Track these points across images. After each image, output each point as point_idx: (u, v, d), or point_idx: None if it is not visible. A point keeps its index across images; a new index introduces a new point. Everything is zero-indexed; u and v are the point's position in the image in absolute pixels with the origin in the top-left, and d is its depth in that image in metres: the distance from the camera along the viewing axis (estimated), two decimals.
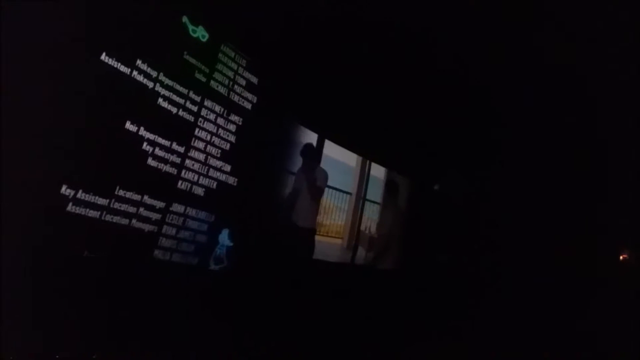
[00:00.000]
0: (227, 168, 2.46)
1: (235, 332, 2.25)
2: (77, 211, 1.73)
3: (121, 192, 1.89)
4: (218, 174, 2.41)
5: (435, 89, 3.76)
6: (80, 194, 1.73)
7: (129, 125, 1.91)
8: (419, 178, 4.67)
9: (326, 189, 3.24)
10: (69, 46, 1.62)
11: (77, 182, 1.72)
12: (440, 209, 4.67)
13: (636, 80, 2.81)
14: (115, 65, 1.83)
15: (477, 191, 4.55)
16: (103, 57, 1.77)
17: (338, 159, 3.59)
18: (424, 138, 4.54)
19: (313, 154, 3.05)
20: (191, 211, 2.25)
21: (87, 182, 1.75)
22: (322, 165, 3.16)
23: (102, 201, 1.81)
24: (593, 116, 3.33)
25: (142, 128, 1.96)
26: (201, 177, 2.31)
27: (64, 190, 1.68)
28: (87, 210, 1.76)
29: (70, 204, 1.70)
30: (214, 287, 2.36)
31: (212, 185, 2.38)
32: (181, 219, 2.20)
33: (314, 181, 2.89)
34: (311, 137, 3.24)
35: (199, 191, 2.30)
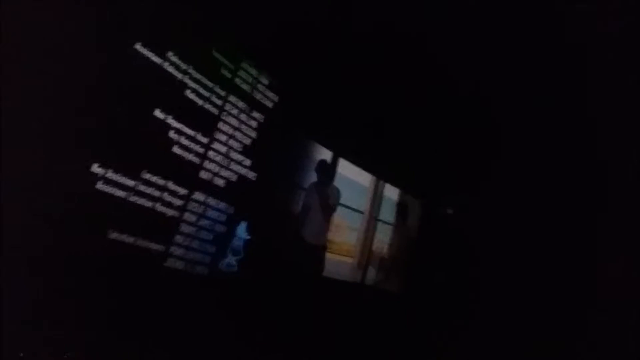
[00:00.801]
0: (248, 163, 2.53)
1: (239, 343, 2.25)
2: (106, 190, 1.80)
3: (147, 176, 1.97)
4: (238, 167, 2.47)
5: (453, 114, 3.81)
6: (110, 174, 1.81)
7: (158, 113, 2.01)
8: (430, 201, 4.67)
9: (338, 207, 3.24)
10: (109, 32, 1.75)
11: (107, 162, 1.80)
12: (451, 232, 4.62)
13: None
14: (149, 55, 1.94)
15: (486, 214, 4.46)
16: (138, 46, 1.89)
17: (351, 177, 3.60)
18: (438, 161, 4.56)
19: (327, 171, 3.06)
20: (211, 201, 2.31)
21: (117, 163, 1.83)
22: (336, 183, 3.17)
23: (129, 182, 1.89)
24: (594, 123, 3.29)
25: (170, 117, 2.06)
26: (222, 169, 2.37)
27: (95, 168, 1.76)
28: (115, 189, 1.84)
29: (100, 182, 1.78)
30: (223, 295, 2.36)
31: (233, 178, 2.44)
32: (202, 207, 2.26)
33: (327, 198, 2.88)
34: (325, 155, 3.27)
35: (220, 182, 2.36)
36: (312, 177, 3.05)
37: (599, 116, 3.16)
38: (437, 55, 3.02)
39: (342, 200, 3.19)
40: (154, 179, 2.00)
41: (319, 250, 2.94)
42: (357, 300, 3.71)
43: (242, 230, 2.48)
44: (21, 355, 1.49)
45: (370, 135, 3.75)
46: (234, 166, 2.44)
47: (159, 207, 2.04)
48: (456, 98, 3.54)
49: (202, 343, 2.10)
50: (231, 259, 2.42)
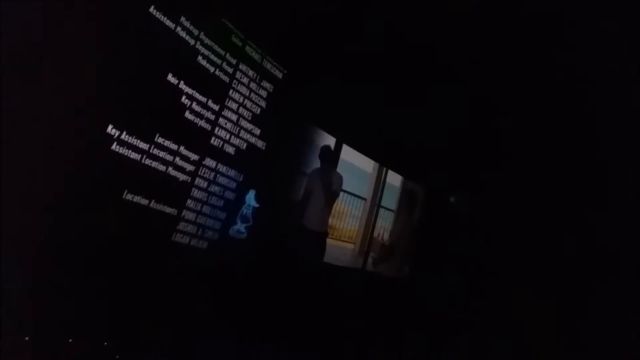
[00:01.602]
0: (257, 132, 2.56)
1: (238, 328, 2.32)
2: (121, 151, 1.84)
3: (160, 140, 2.00)
4: (248, 135, 2.50)
5: (457, 104, 3.83)
6: (124, 136, 1.85)
7: (170, 77, 2.02)
8: (434, 189, 4.66)
9: (341, 192, 3.26)
10: None
11: (122, 124, 1.83)
12: (453, 222, 4.65)
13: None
14: (162, 19, 1.94)
15: (488, 204, 4.45)
16: (151, 9, 1.89)
17: (355, 163, 3.59)
18: (442, 149, 4.54)
19: (331, 157, 3.08)
20: (222, 167, 2.35)
21: (131, 125, 1.86)
22: (339, 169, 3.18)
23: (143, 145, 1.93)
24: (594, 124, 3.28)
25: (182, 82, 2.07)
26: (232, 136, 2.40)
27: (110, 129, 1.79)
28: (130, 152, 1.88)
29: (115, 143, 1.82)
30: (225, 278, 2.39)
31: (242, 146, 2.47)
32: (212, 173, 2.30)
33: (330, 184, 2.90)
34: (329, 141, 3.28)
35: (230, 150, 2.40)
36: (315, 163, 3.07)
37: (599, 107, 3.14)
38: (441, 43, 3.03)
39: (344, 187, 3.26)
40: (167, 143, 2.04)
41: (320, 235, 3.00)
42: (357, 286, 3.76)
43: (251, 198, 2.53)
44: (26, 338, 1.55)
45: (374, 122, 3.73)
46: (243, 134, 2.47)
47: (172, 172, 2.08)
48: (460, 86, 3.54)
49: (204, 319, 2.19)
50: (240, 226, 2.48)
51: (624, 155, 3.14)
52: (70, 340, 1.67)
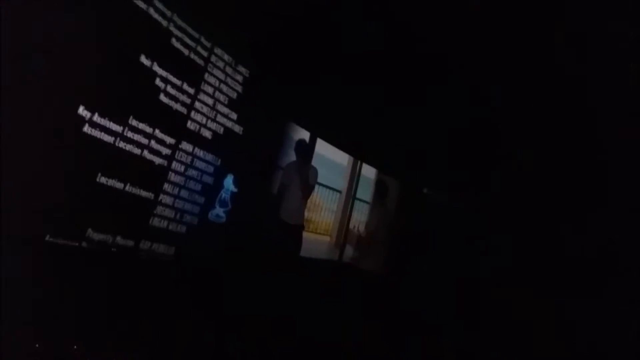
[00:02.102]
0: (234, 116, 2.56)
1: (217, 323, 2.33)
2: (93, 133, 1.81)
3: (134, 122, 1.98)
4: (225, 120, 2.50)
5: (429, 92, 3.83)
6: (97, 117, 1.81)
7: (143, 59, 1.99)
8: (408, 181, 4.71)
9: (316, 186, 3.29)
10: None
11: (94, 105, 1.79)
12: (429, 214, 4.68)
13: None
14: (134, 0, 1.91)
15: (468, 197, 4.50)
16: None
17: (329, 156, 3.60)
18: (415, 141, 4.57)
19: (306, 151, 3.11)
20: (199, 152, 2.34)
21: (103, 107, 1.83)
22: (314, 162, 3.22)
23: (116, 127, 1.90)
24: (593, 123, 3.30)
25: (155, 64, 2.05)
26: (209, 120, 2.39)
27: (81, 110, 1.76)
28: (102, 134, 1.85)
29: (87, 125, 1.78)
30: (200, 274, 2.38)
31: (219, 130, 2.47)
32: (190, 157, 2.29)
33: (307, 178, 2.94)
34: (303, 135, 3.31)
35: (207, 134, 2.39)
36: (290, 157, 3.10)
37: (599, 107, 3.17)
38: (419, 32, 3.01)
39: (320, 180, 3.30)
40: (141, 125, 2.01)
41: (297, 229, 3.04)
42: (334, 278, 3.77)
43: (229, 182, 2.53)
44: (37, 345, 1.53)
45: (348, 115, 3.73)
46: (220, 119, 2.47)
47: (147, 155, 2.06)
48: (438, 78, 3.54)
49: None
50: (219, 210, 2.48)
51: (624, 153, 3.12)
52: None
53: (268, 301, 2.68)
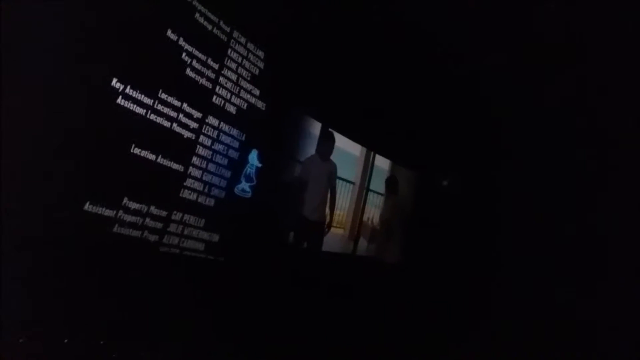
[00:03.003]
0: (257, 92, 2.59)
1: (232, 320, 2.37)
2: (126, 105, 1.86)
3: (164, 95, 2.02)
4: (248, 95, 2.53)
5: (443, 84, 3.79)
6: (129, 90, 1.86)
7: (170, 34, 2.03)
8: (423, 172, 4.65)
9: None
10: None
11: (126, 78, 1.85)
12: (446, 204, 4.63)
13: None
14: None
15: (482, 187, 4.43)
16: None
17: (342, 147, 3.56)
18: (430, 132, 4.51)
19: (330, 147, 3.10)
20: (224, 126, 2.38)
21: (135, 80, 1.88)
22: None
23: (147, 100, 1.95)
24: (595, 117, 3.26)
25: (181, 38, 2.09)
26: (233, 96, 2.43)
27: (115, 83, 1.81)
28: (135, 106, 1.90)
29: (120, 97, 1.84)
30: (216, 272, 2.40)
31: (243, 106, 2.50)
32: (216, 132, 2.33)
33: (330, 174, 2.96)
34: (315, 126, 3.29)
35: (232, 109, 2.43)
36: (307, 151, 3.11)
37: (598, 107, 3.13)
38: (431, 27, 3.00)
39: None
40: (170, 99, 2.06)
41: (319, 225, 3.04)
42: (349, 271, 3.76)
43: (253, 157, 2.57)
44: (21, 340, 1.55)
45: (360, 106, 3.68)
46: (244, 94, 2.50)
47: (176, 128, 2.11)
48: (450, 71, 3.52)
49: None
50: (245, 185, 2.52)
51: (626, 151, 3.09)
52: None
53: (282, 295, 2.71)
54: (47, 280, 1.61)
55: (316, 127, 3.31)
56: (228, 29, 2.36)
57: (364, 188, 5.12)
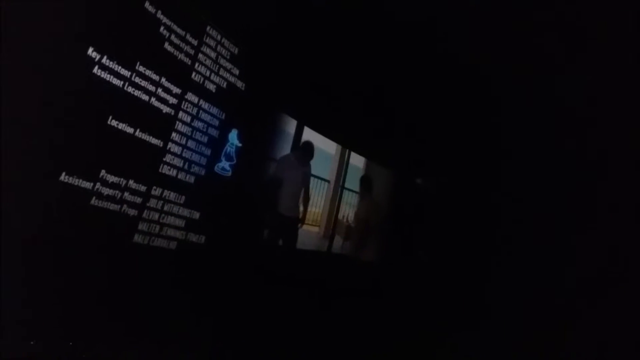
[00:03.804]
0: (236, 72, 2.59)
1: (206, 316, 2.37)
2: (103, 75, 1.83)
3: (141, 68, 2.00)
4: (227, 74, 2.53)
5: (420, 82, 3.74)
6: (105, 60, 1.83)
7: (148, 6, 2.01)
8: (399, 170, 4.65)
9: None
10: None
11: (102, 48, 1.81)
12: (422, 203, 4.62)
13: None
14: None
15: (461, 186, 4.40)
16: None
17: (317, 145, 3.57)
18: (405, 130, 4.50)
19: (310, 153, 3.26)
20: (204, 104, 2.37)
21: (111, 50, 1.85)
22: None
23: (124, 72, 1.92)
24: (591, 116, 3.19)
25: (159, 11, 2.06)
26: (212, 74, 2.42)
27: (91, 52, 1.77)
28: (111, 77, 1.87)
29: (97, 67, 1.80)
30: (192, 265, 2.38)
31: (223, 85, 2.50)
32: (195, 109, 2.32)
33: (305, 175, 3.15)
34: (290, 123, 3.34)
35: (211, 87, 2.42)
36: (282, 149, 3.20)
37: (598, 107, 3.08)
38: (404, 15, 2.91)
39: None
40: (148, 72, 2.03)
41: (293, 221, 3.14)
42: (324, 269, 3.74)
43: (234, 136, 2.57)
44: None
45: (336, 103, 3.64)
46: (223, 73, 2.50)
47: (155, 103, 2.09)
48: (428, 66, 3.44)
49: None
50: (225, 164, 2.52)
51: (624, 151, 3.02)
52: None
53: (262, 295, 2.73)
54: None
55: (292, 125, 3.36)
56: (205, 14, 2.35)
57: (339, 186, 5.13)
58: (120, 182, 1.93)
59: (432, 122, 4.43)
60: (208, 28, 2.38)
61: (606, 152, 3.12)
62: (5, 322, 1.49)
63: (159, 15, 2.07)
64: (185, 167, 2.28)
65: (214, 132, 2.45)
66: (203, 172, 2.39)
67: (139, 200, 2.02)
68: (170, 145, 2.18)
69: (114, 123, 1.89)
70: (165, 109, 2.14)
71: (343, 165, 5.00)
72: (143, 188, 2.04)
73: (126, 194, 1.96)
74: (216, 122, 2.46)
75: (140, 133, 2.01)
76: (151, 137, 2.07)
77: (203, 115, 2.37)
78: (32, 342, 1.60)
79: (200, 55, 2.33)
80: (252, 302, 2.66)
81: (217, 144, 2.47)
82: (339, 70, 3.52)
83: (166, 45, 2.12)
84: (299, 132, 3.44)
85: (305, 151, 3.27)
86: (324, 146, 4.79)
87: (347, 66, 3.53)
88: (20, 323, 1.57)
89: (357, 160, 5.03)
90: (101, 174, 1.85)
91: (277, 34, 2.84)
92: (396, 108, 4.28)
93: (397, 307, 3.87)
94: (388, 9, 2.86)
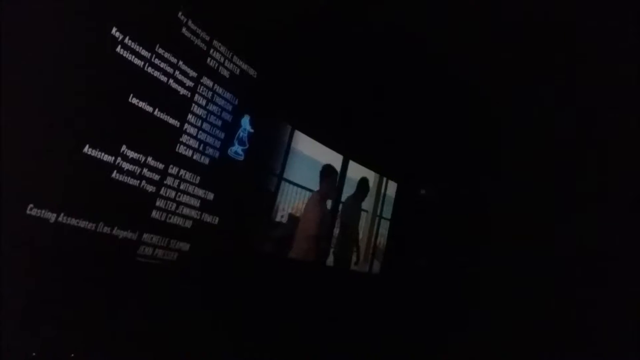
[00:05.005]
0: (249, 60, 2.67)
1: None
2: (125, 55, 1.91)
3: (161, 50, 2.08)
4: (240, 62, 2.61)
5: (423, 94, 3.76)
6: (128, 40, 1.91)
7: None
8: (405, 183, 4.62)
9: (297, 188, 3.30)
10: None
11: (125, 29, 1.90)
12: (422, 212, 4.59)
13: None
14: None
15: (461, 195, 4.39)
16: None
17: (311, 155, 3.42)
18: (411, 142, 4.45)
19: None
20: (218, 88, 2.45)
21: (133, 31, 1.93)
22: (292, 159, 3.19)
23: (145, 53, 2.00)
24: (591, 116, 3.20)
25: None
26: (226, 60, 2.51)
27: (115, 32, 1.86)
28: (133, 57, 1.94)
29: (120, 46, 1.88)
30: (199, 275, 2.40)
31: (236, 71, 2.58)
32: (210, 92, 2.40)
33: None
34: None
35: (225, 73, 2.50)
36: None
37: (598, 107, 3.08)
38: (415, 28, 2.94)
39: (303, 182, 3.31)
40: (167, 55, 2.11)
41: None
42: (325, 282, 3.66)
43: (246, 122, 2.64)
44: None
45: (339, 115, 3.61)
46: (236, 60, 2.58)
47: (173, 84, 2.16)
48: (431, 77, 3.44)
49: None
50: (238, 148, 2.59)
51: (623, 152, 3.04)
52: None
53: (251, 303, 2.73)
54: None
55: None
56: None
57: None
58: (140, 159, 1.99)
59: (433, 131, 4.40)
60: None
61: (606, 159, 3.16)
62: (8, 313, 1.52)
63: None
64: (201, 148, 2.35)
65: (227, 117, 2.52)
66: (217, 155, 2.45)
67: (156, 177, 2.08)
68: (186, 126, 2.25)
69: (134, 101, 1.96)
70: (182, 91, 2.22)
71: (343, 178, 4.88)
72: (161, 166, 2.10)
73: (145, 170, 2.02)
74: (229, 107, 2.53)
75: (159, 112, 2.08)
76: (169, 117, 2.14)
77: (217, 100, 2.44)
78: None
79: (214, 42, 2.41)
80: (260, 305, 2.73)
81: (230, 129, 2.54)
82: (340, 79, 3.46)
83: (183, 30, 2.21)
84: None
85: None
86: (318, 156, 4.47)
87: (348, 76, 3.48)
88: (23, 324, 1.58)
89: (354, 173, 4.77)
90: (122, 149, 1.91)
91: (281, 46, 2.85)
92: (398, 119, 4.23)
93: (398, 311, 3.92)
94: (392, 20, 2.90)
